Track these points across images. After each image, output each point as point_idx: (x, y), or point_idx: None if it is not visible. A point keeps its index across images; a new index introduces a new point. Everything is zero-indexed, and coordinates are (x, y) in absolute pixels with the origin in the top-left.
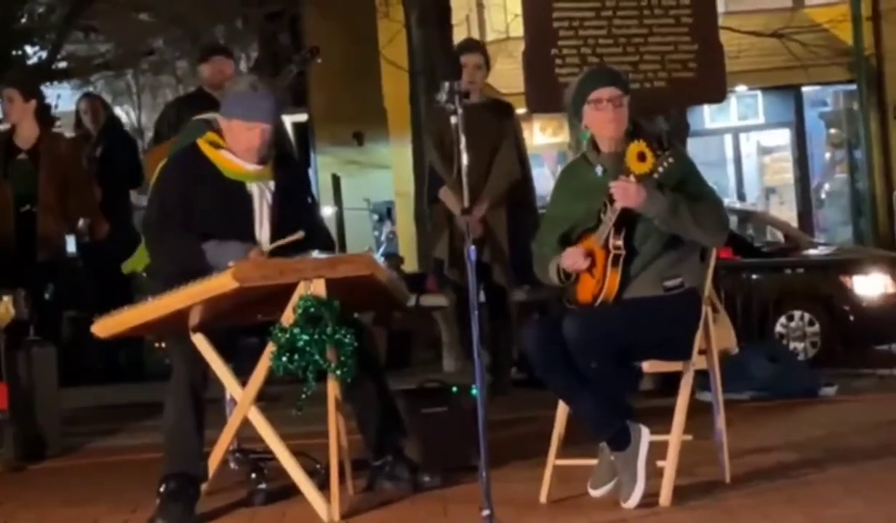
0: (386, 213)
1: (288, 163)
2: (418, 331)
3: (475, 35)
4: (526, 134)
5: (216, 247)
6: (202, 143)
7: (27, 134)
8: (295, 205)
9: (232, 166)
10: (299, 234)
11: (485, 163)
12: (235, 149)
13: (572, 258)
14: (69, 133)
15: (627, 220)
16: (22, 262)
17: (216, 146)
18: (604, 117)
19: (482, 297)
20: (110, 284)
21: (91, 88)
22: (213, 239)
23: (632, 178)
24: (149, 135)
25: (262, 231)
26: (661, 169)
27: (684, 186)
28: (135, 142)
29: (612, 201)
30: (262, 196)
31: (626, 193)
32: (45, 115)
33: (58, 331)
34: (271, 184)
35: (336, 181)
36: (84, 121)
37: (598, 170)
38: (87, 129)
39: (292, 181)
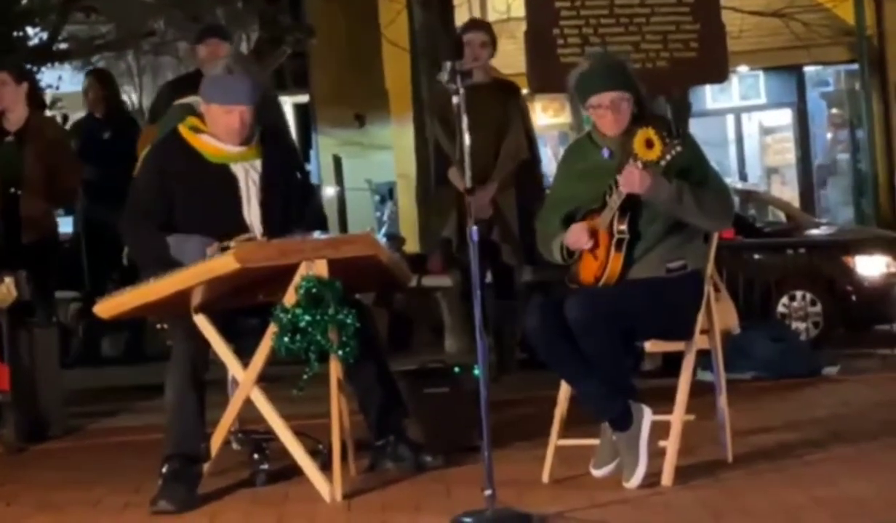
0: (387, 194)
1: (275, 140)
2: (420, 312)
3: (477, 15)
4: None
5: (178, 241)
6: (183, 129)
7: (17, 116)
8: (284, 182)
9: (214, 149)
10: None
11: (491, 143)
12: (216, 133)
13: (576, 236)
14: (76, 113)
15: (632, 204)
16: (8, 245)
17: (197, 131)
18: (604, 122)
19: (489, 278)
20: (111, 266)
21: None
22: (201, 224)
23: (639, 164)
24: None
25: (251, 211)
26: (668, 157)
27: (690, 172)
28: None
29: (617, 185)
30: (247, 176)
31: (631, 180)
32: (37, 99)
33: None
34: (257, 163)
35: (337, 162)
36: (84, 100)
37: (605, 152)
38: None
39: (280, 158)
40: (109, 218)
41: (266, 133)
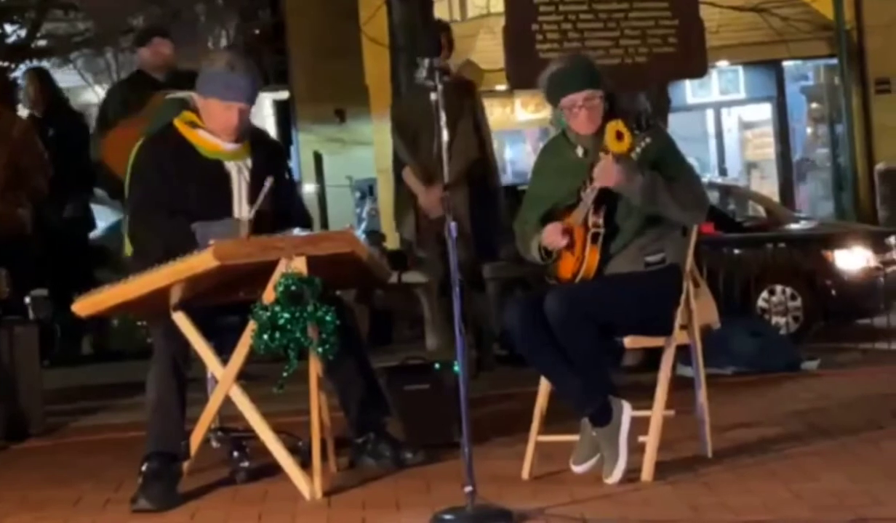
0: (368, 191)
1: (264, 140)
2: (400, 309)
3: (456, 11)
4: (507, 110)
5: (205, 227)
6: (179, 123)
7: None
8: (273, 183)
9: (209, 145)
10: (269, 180)
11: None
12: (212, 128)
13: (551, 236)
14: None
15: (607, 198)
16: None
17: (193, 125)
18: (578, 121)
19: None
20: (68, 262)
21: (71, 67)
22: (192, 218)
23: (609, 157)
24: None
25: (241, 209)
26: (638, 148)
27: (663, 164)
28: (84, 122)
29: (591, 180)
30: (239, 174)
31: (603, 173)
32: (9, 97)
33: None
34: (248, 161)
35: (318, 158)
36: (23, 97)
37: (579, 150)
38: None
39: (269, 158)
40: (59, 215)
41: (255, 133)
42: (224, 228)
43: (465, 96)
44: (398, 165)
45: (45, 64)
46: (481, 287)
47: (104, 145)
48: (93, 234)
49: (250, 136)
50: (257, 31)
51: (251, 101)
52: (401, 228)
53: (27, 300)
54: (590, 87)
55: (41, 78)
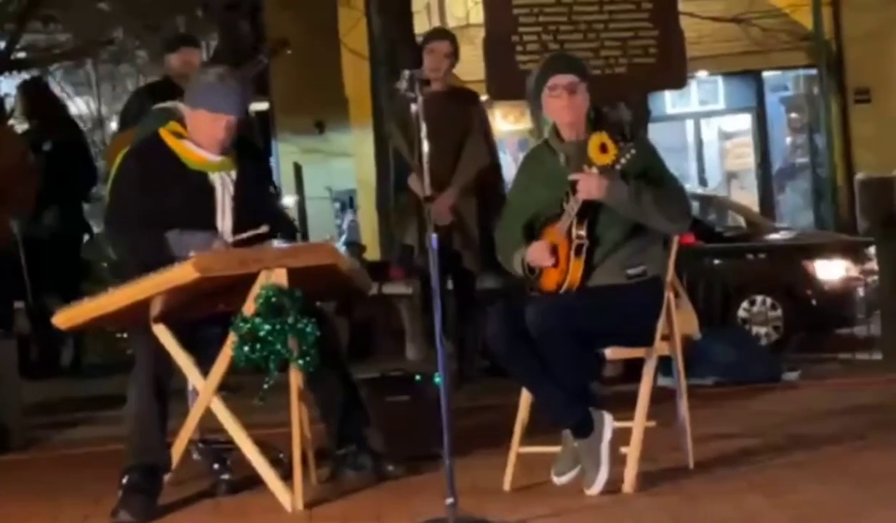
0: (348, 202)
1: (249, 152)
2: (381, 320)
3: (435, 22)
4: None
5: (179, 236)
6: (165, 133)
7: None
8: (257, 195)
9: (195, 157)
10: (264, 228)
11: (451, 150)
12: (199, 140)
13: (537, 254)
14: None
15: (590, 210)
16: None
17: (179, 136)
18: (558, 104)
19: (450, 285)
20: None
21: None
22: (174, 229)
23: (594, 170)
24: (109, 125)
25: (225, 221)
26: (623, 160)
27: (647, 175)
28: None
29: (574, 191)
30: (224, 186)
31: (588, 186)
32: None
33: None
34: (233, 173)
35: (298, 170)
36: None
37: (562, 158)
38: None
39: (254, 171)
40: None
41: (240, 145)
42: (200, 241)
43: (470, 104)
44: (400, 174)
45: (24, 76)
46: (473, 301)
47: (109, 150)
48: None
49: (237, 148)
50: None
51: (240, 113)
52: (403, 235)
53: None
54: (574, 74)
55: (34, 89)
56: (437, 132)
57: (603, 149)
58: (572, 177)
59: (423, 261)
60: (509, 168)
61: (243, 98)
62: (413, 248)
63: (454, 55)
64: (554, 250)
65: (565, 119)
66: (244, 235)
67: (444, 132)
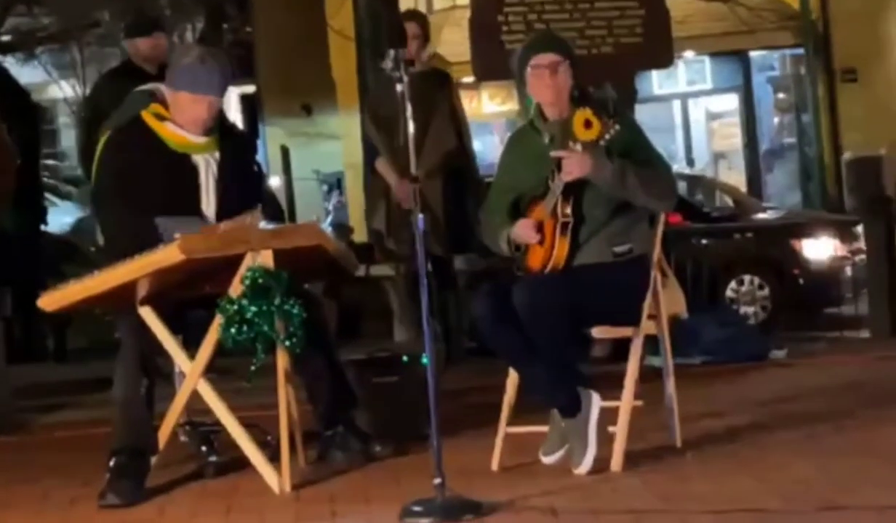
0: (336, 184)
1: (233, 133)
2: (368, 302)
3: (422, 5)
4: (475, 102)
5: (169, 222)
6: (146, 115)
7: None
8: (241, 176)
9: (177, 138)
10: (256, 213)
11: (420, 133)
12: (181, 121)
13: (523, 231)
14: None
15: (576, 188)
16: None
17: (160, 118)
18: (541, 83)
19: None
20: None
21: (36, 62)
22: (158, 213)
23: (578, 146)
24: None
25: (209, 203)
26: (607, 136)
27: (632, 152)
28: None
29: (559, 170)
30: (207, 168)
31: (572, 164)
32: None
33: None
34: (216, 155)
35: (285, 152)
36: None
37: (546, 138)
38: None
39: (238, 152)
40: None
41: (223, 126)
42: (188, 227)
43: (440, 86)
44: (371, 157)
45: (9, 60)
46: (453, 280)
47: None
48: (61, 230)
49: (220, 129)
50: (225, 26)
51: (221, 94)
52: (371, 219)
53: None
54: (557, 53)
55: None
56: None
57: (587, 124)
58: (555, 153)
59: (391, 245)
60: (496, 150)
61: (224, 79)
62: (382, 233)
63: (423, 36)
64: (540, 227)
65: (548, 99)
66: (229, 225)
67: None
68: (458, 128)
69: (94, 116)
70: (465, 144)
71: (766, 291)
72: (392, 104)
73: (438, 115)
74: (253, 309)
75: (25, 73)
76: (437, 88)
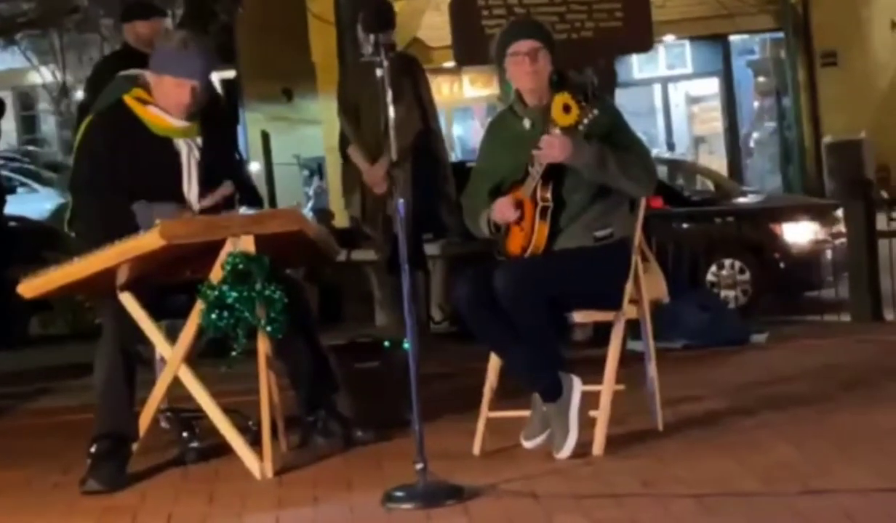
0: (317, 169)
1: (215, 119)
2: (350, 286)
3: None
4: (455, 87)
5: (146, 207)
6: (129, 99)
7: None
8: (222, 161)
9: (160, 122)
10: (227, 186)
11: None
12: (164, 105)
13: (502, 209)
14: None
15: (555, 172)
16: None
17: (143, 102)
18: (520, 70)
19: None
20: None
21: (15, 48)
22: (140, 196)
23: (557, 131)
24: (74, 94)
25: (191, 187)
26: (586, 120)
27: (611, 137)
28: None
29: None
30: (189, 152)
31: (551, 148)
32: None
33: None
34: (198, 139)
35: (265, 137)
36: None
37: (526, 123)
38: None
39: (219, 137)
40: None
41: (206, 111)
42: (167, 212)
43: (405, 72)
44: (345, 143)
45: None
46: (421, 263)
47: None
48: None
49: (202, 114)
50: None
51: (204, 78)
52: (347, 205)
53: None
54: (536, 39)
55: None
56: (372, 100)
57: (566, 109)
58: (535, 150)
59: (367, 229)
60: (477, 134)
61: (207, 63)
62: (358, 219)
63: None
64: (519, 205)
65: (527, 85)
66: (209, 202)
67: (378, 100)
68: (424, 109)
69: (93, 101)
70: (431, 126)
71: (746, 275)
72: (360, 90)
73: (404, 101)
74: (234, 294)
75: (5, 59)
76: (401, 74)
